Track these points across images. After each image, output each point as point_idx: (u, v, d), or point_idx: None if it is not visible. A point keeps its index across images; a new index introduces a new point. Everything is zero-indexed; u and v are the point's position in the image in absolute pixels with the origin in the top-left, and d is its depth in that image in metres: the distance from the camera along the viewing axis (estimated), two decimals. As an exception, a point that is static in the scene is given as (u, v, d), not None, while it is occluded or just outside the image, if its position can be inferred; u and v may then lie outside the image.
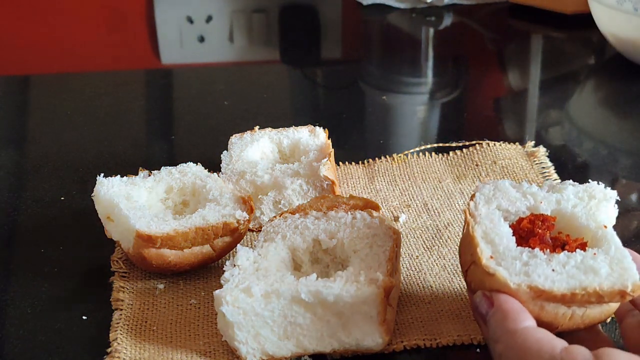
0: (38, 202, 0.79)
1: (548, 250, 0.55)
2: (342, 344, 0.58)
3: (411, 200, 0.78)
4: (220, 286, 0.58)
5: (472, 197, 0.60)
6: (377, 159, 0.85)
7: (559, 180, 0.79)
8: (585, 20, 1.15)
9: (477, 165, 0.83)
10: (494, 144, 0.85)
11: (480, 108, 1.03)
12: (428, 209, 0.77)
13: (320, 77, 1.17)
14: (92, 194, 0.69)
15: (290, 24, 1.33)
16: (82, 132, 0.94)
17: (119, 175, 0.70)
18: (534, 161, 0.83)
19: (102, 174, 0.70)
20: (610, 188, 0.60)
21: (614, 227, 0.58)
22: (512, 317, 0.51)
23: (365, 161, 0.85)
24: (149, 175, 0.72)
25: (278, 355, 0.58)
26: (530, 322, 0.51)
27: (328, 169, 0.72)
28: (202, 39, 1.26)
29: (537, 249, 0.55)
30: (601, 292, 0.51)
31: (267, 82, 1.11)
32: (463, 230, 0.58)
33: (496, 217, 0.58)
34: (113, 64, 1.17)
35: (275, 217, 0.66)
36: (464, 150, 0.85)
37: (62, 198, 0.80)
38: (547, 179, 0.80)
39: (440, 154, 0.85)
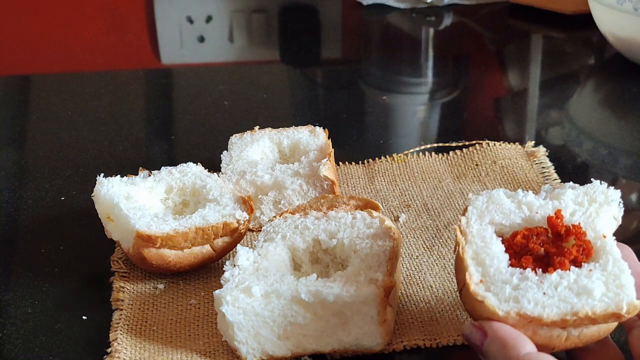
0: (38, 202, 0.79)
1: (540, 270, 0.52)
2: (342, 344, 0.58)
3: (411, 200, 0.78)
4: (220, 286, 0.58)
5: (465, 211, 0.58)
6: (377, 159, 0.85)
7: (559, 181, 0.79)
8: (585, 20, 1.15)
9: (477, 165, 0.83)
10: (494, 144, 0.85)
11: (480, 108, 1.03)
12: (428, 209, 0.77)
13: (320, 77, 1.17)
14: (92, 194, 0.69)
15: (290, 24, 1.33)
16: (82, 132, 0.94)
17: (119, 175, 0.70)
18: (534, 161, 0.83)
19: (102, 174, 0.70)
20: (613, 188, 0.58)
21: (619, 228, 0.57)
22: (511, 345, 0.49)
23: (365, 161, 0.85)
24: (149, 176, 0.72)
25: (278, 355, 0.58)
26: (530, 347, 0.49)
27: (328, 169, 0.72)
28: (202, 39, 1.26)
29: (528, 270, 0.52)
30: (594, 315, 0.49)
31: (267, 82, 1.11)
32: (455, 248, 0.57)
33: (488, 235, 0.56)
34: (113, 64, 1.17)
35: (275, 217, 0.66)
36: (464, 150, 0.85)
37: (62, 198, 0.80)
38: (547, 179, 0.80)
39: (440, 154, 0.85)
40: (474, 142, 0.86)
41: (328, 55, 1.26)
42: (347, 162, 0.85)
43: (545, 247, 0.54)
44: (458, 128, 0.96)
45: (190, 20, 1.31)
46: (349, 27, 1.35)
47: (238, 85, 1.09)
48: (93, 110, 1.00)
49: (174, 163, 0.74)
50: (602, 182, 0.58)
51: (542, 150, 0.84)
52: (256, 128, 0.81)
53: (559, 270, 0.52)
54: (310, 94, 1.11)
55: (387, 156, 0.85)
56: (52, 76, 1.11)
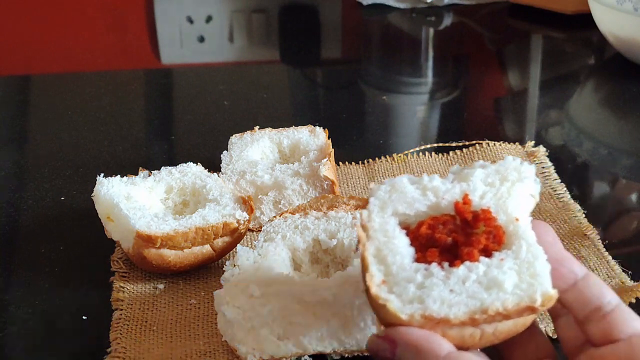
0: (38, 202, 0.79)
1: (447, 263, 0.47)
2: (342, 344, 0.58)
3: (411, 200, 0.78)
4: (220, 286, 0.58)
5: (365, 203, 0.52)
6: (377, 159, 0.85)
7: (559, 180, 0.79)
8: (585, 20, 1.15)
9: (477, 165, 0.83)
10: (494, 144, 0.85)
11: (480, 108, 1.03)
12: (428, 209, 0.76)
13: (320, 77, 1.17)
14: (92, 194, 0.69)
15: (290, 24, 1.33)
16: (82, 132, 0.94)
17: (118, 175, 0.70)
18: (534, 161, 0.83)
19: (102, 174, 0.70)
20: (527, 163, 0.52)
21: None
22: (426, 349, 0.44)
23: (365, 161, 0.85)
24: (149, 176, 0.72)
25: (278, 355, 0.58)
26: (448, 346, 0.45)
27: (328, 169, 0.72)
28: (202, 39, 1.26)
29: (434, 265, 0.47)
30: (505, 311, 0.45)
31: (267, 82, 1.11)
32: (356, 246, 0.52)
33: (391, 228, 0.50)
34: (113, 64, 1.17)
35: (275, 217, 0.66)
36: (464, 150, 0.85)
37: (62, 198, 0.80)
38: (547, 179, 0.80)
39: (440, 154, 0.85)
40: (474, 142, 0.86)
41: (328, 55, 1.26)
42: (347, 162, 0.85)
43: (454, 237, 0.49)
44: (458, 128, 0.96)
45: (190, 20, 1.31)
46: (349, 27, 1.35)
47: (238, 85, 1.09)
48: (93, 110, 1.00)
49: (174, 163, 0.74)
50: (515, 158, 0.52)
51: (542, 150, 0.84)
52: (256, 128, 0.81)
53: (467, 263, 0.47)
54: (310, 94, 1.11)
55: (387, 156, 0.85)
56: (52, 76, 1.11)
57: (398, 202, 0.51)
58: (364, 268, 0.48)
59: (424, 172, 0.82)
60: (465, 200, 0.50)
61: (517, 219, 0.49)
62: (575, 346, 0.48)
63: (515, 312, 0.45)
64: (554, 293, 0.45)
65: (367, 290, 0.48)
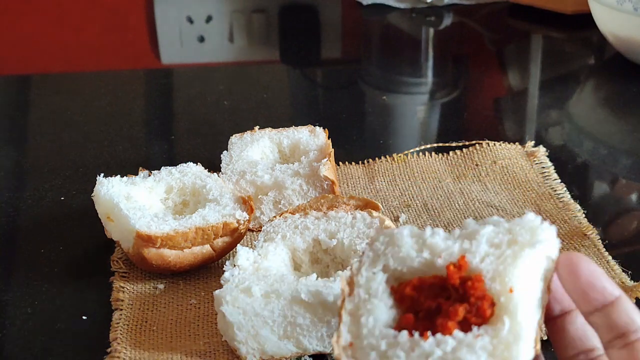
0: (38, 202, 0.79)
1: (417, 333, 0.43)
2: (342, 344, 0.58)
3: (411, 200, 0.78)
4: (220, 286, 0.58)
5: (362, 255, 0.48)
6: (377, 159, 0.85)
7: (559, 181, 0.79)
8: (585, 20, 1.15)
9: (477, 165, 0.83)
10: (494, 144, 0.85)
11: (480, 108, 1.03)
12: (428, 209, 0.77)
13: (320, 77, 1.17)
14: (92, 194, 0.69)
15: (290, 24, 1.33)
16: (82, 132, 0.94)
17: (118, 175, 0.70)
18: (534, 161, 0.83)
19: (102, 174, 0.70)
20: (547, 223, 0.46)
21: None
22: None
23: (365, 161, 0.85)
24: (149, 175, 0.72)
25: (278, 355, 0.58)
26: None
27: (328, 169, 0.72)
28: (202, 39, 1.26)
29: (403, 333, 0.43)
30: None
31: (267, 82, 1.11)
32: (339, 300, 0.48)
33: (375, 285, 0.46)
34: (113, 64, 1.17)
35: (275, 217, 0.66)
36: (464, 150, 0.85)
37: (62, 198, 0.80)
38: (546, 179, 0.80)
39: (440, 154, 0.85)
40: (474, 142, 0.86)
41: (328, 55, 1.26)
42: (347, 162, 0.85)
43: (440, 302, 0.44)
44: (458, 128, 0.96)
45: (190, 20, 1.31)
46: (349, 27, 1.35)
47: (238, 85, 1.09)
48: (93, 110, 1.00)
49: (174, 163, 0.74)
50: (537, 217, 0.46)
51: (542, 150, 0.84)
52: (256, 128, 0.81)
53: (438, 335, 0.43)
54: (310, 94, 1.11)
55: (387, 156, 0.85)
56: (52, 76, 1.11)
57: (391, 257, 0.47)
58: (337, 323, 0.46)
59: (424, 172, 0.82)
60: (461, 262, 0.45)
61: (511, 290, 0.44)
62: None
63: None
64: None
65: (332, 350, 0.45)
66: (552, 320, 0.48)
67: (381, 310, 0.45)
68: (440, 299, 0.45)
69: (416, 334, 0.43)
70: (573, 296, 0.46)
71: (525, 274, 0.44)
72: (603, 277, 0.45)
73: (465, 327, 0.43)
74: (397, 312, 0.46)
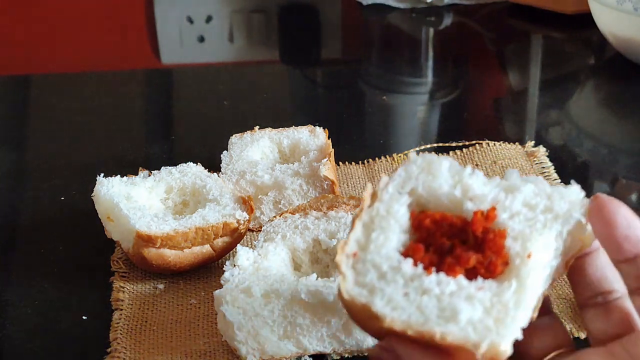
0: (37, 202, 0.79)
1: (422, 265, 0.43)
2: (343, 344, 0.58)
3: (411, 200, 0.78)
4: (220, 286, 0.58)
5: (394, 172, 0.47)
6: (377, 159, 0.85)
7: (559, 181, 0.79)
8: (586, 20, 1.15)
9: (477, 165, 0.83)
10: (494, 144, 0.85)
11: (480, 108, 1.03)
12: (428, 209, 0.76)
13: (320, 77, 1.17)
14: (92, 194, 0.69)
15: (290, 24, 1.33)
16: (82, 132, 0.94)
17: (118, 175, 0.70)
18: (534, 161, 0.83)
19: (102, 174, 0.70)
20: (588, 200, 0.45)
21: None
22: None
23: (365, 161, 0.85)
24: (149, 175, 0.72)
25: (278, 355, 0.58)
26: None
27: (328, 169, 0.72)
28: (202, 39, 1.26)
29: (408, 261, 0.43)
30: (441, 341, 0.39)
31: (267, 82, 1.11)
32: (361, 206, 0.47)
33: (397, 206, 0.45)
34: (113, 64, 1.17)
35: (275, 217, 0.66)
36: (464, 150, 0.85)
37: (62, 198, 0.80)
38: (547, 179, 0.80)
39: (440, 154, 0.85)
40: (474, 142, 0.86)
41: (328, 55, 1.26)
42: (347, 162, 0.85)
43: (454, 243, 0.44)
44: (458, 128, 0.96)
45: (190, 20, 1.31)
46: (348, 27, 1.35)
47: (238, 85, 1.09)
48: (93, 110, 1.00)
49: (174, 163, 0.74)
50: (582, 191, 0.45)
51: (542, 150, 0.84)
52: (256, 128, 0.81)
53: (441, 275, 0.42)
54: (310, 94, 1.11)
55: (387, 156, 0.85)
56: (52, 76, 1.11)
57: (422, 183, 0.46)
58: (349, 230, 0.45)
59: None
60: (489, 214, 0.45)
61: (529, 256, 0.43)
62: (604, 339, 0.45)
63: (453, 348, 0.40)
64: (503, 349, 0.40)
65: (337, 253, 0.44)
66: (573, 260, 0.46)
67: (394, 231, 0.45)
68: (456, 240, 0.44)
69: (420, 267, 0.43)
70: (605, 243, 0.44)
71: (549, 243, 0.44)
72: (639, 229, 0.43)
73: (471, 276, 0.43)
74: (409, 238, 0.45)
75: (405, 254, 0.44)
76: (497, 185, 0.46)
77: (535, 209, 0.45)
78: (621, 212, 0.43)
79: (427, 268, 0.43)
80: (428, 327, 0.40)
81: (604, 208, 0.44)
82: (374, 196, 0.46)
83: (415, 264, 0.43)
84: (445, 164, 0.47)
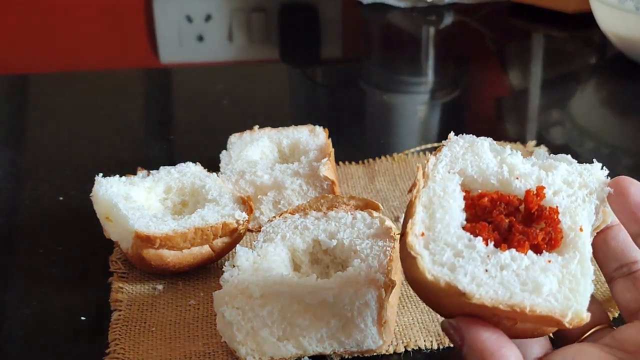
0: (36, 202, 0.79)
1: (493, 243, 0.45)
2: (342, 345, 0.58)
3: (412, 200, 0.78)
4: (220, 287, 0.58)
5: (438, 151, 0.50)
6: (377, 158, 0.85)
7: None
8: (587, 20, 1.15)
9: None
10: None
11: (481, 108, 1.03)
12: (429, 209, 0.76)
13: (321, 77, 1.17)
14: (91, 194, 0.68)
15: (290, 23, 1.33)
16: (80, 132, 0.94)
17: (117, 175, 0.70)
18: (535, 161, 0.82)
19: (100, 174, 0.69)
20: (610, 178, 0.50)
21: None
22: (493, 358, 0.43)
23: (365, 161, 0.84)
24: (148, 175, 0.71)
25: (278, 356, 0.58)
26: (515, 358, 0.44)
27: (328, 169, 0.72)
28: (201, 38, 1.26)
29: (479, 239, 0.45)
30: (531, 314, 0.42)
31: (267, 82, 1.11)
32: (410, 189, 0.48)
33: (451, 185, 0.48)
34: (112, 63, 1.17)
35: (274, 217, 0.66)
36: (465, 149, 0.85)
37: (61, 198, 0.80)
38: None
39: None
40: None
41: (328, 54, 1.26)
42: (347, 162, 0.84)
43: (511, 220, 0.47)
44: (458, 128, 0.95)
45: (190, 19, 1.31)
46: (349, 26, 1.35)
47: (238, 84, 1.09)
48: (92, 110, 1.00)
49: (173, 163, 0.74)
50: (604, 169, 0.50)
51: (543, 149, 0.84)
52: (256, 128, 0.81)
53: (513, 251, 0.45)
54: (311, 93, 1.11)
55: (388, 156, 0.85)
56: (51, 76, 1.11)
57: (470, 163, 0.49)
58: (409, 214, 0.47)
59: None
60: (539, 192, 0.48)
61: (581, 229, 0.47)
62: (635, 308, 0.47)
63: (539, 319, 0.43)
64: (585, 316, 0.43)
65: (403, 235, 0.46)
66: (596, 235, 0.50)
67: (455, 210, 0.47)
68: (511, 217, 0.47)
69: (491, 244, 0.45)
70: (621, 217, 0.48)
71: (590, 216, 0.48)
72: None
73: (536, 250, 0.45)
74: (466, 216, 0.47)
75: (471, 231, 0.46)
76: (534, 164, 0.50)
77: (573, 185, 0.49)
78: (634, 185, 0.47)
79: (498, 246, 0.45)
80: (515, 301, 0.42)
81: (619, 182, 0.48)
82: (424, 176, 0.48)
83: (486, 242, 0.45)
84: (486, 144, 0.51)
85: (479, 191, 0.49)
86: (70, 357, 0.60)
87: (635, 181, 0.47)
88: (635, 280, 0.48)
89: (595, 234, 0.49)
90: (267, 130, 0.81)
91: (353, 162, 0.84)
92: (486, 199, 0.48)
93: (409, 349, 0.59)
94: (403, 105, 1.04)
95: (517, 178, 0.49)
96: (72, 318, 0.63)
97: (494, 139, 0.85)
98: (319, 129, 0.80)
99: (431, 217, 0.47)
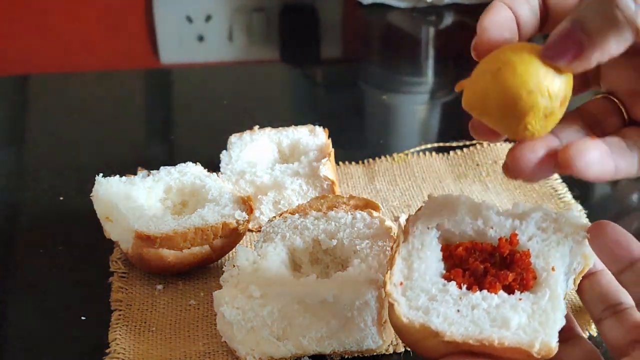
0: (36, 202, 0.79)
1: (465, 286, 0.50)
2: (342, 345, 0.58)
3: (411, 200, 0.78)
4: (220, 287, 0.58)
5: (418, 210, 0.55)
6: (377, 158, 0.85)
7: (559, 181, 0.79)
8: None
9: (477, 165, 0.83)
10: (495, 144, 0.85)
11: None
12: (428, 209, 0.76)
13: (320, 77, 1.17)
14: (91, 194, 0.68)
15: (290, 23, 1.33)
16: (81, 132, 0.94)
17: (117, 175, 0.70)
18: (535, 161, 0.82)
19: (101, 174, 0.69)
20: (588, 221, 0.53)
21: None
22: None
23: (365, 161, 0.84)
24: (148, 175, 0.71)
25: (277, 356, 0.58)
26: None
27: (328, 168, 0.72)
28: (201, 38, 1.26)
29: (452, 283, 0.50)
30: (500, 346, 0.45)
31: (267, 82, 1.11)
32: (393, 243, 0.54)
33: (428, 238, 0.53)
34: (112, 63, 1.17)
35: (274, 217, 0.66)
36: (465, 150, 0.85)
37: (61, 198, 0.80)
38: (547, 179, 0.79)
39: (440, 154, 0.85)
40: (474, 141, 0.86)
41: (328, 54, 1.26)
42: (347, 162, 0.84)
43: (486, 266, 0.51)
44: (459, 128, 0.96)
45: (190, 20, 1.31)
46: (349, 27, 1.34)
47: (238, 84, 1.08)
48: (92, 110, 1.00)
49: (173, 163, 0.74)
50: (582, 214, 0.55)
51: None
52: (256, 128, 0.81)
53: (484, 292, 0.49)
54: (310, 93, 1.11)
55: (387, 156, 0.85)
56: (51, 76, 1.11)
57: (447, 219, 0.54)
58: (389, 266, 0.52)
59: (424, 172, 0.82)
60: (512, 239, 0.52)
61: (553, 269, 0.50)
62: (624, 345, 0.49)
63: (508, 351, 0.46)
64: (554, 346, 0.46)
65: (383, 285, 0.50)
66: (582, 279, 0.53)
67: (432, 260, 0.51)
68: (486, 263, 0.51)
69: (464, 287, 0.49)
70: (602, 257, 0.50)
71: (564, 257, 0.51)
72: (628, 236, 0.49)
73: (508, 291, 0.49)
74: (443, 266, 0.52)
75: (447, 278, 0.50)
76: (510, 214, 0.54)
77: (547, 230, 0.53)
78: (610, 225, 0.50)
79: (470, 288, 0.49)
80: (484, 335, 0.46)
81: (597, 225, 0.50)
82: (405, 232, 0.53)
83: (459, 286, 0.50)
84: (462, 199, 0.55)
85: (457, 242, 0.53)
86: (70, 357, 0.60)
87: (611, 223, 0.50)
88: (621, 319, 0.50)
89: (581, 279, 0.53)
90: (267, 130, 0.81)
91: (353, 162, 0.84)
92: (461, 248, 0.52)
93: (409, 349, 0.59)
94: (403, 105, 1.04)
95: (492, 228, 0.53)
96: (73, 317, 0.63)
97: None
98: (319, 129, 0.80)
99: (410, 268, 0.51)
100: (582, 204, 0.75)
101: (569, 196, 0.76)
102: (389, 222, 0.63)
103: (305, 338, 0.57)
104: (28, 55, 1.18)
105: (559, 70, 0.44)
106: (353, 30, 1.34)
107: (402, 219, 0.74)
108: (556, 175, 0.80)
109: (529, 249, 0.52)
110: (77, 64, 1.16)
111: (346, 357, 0.59)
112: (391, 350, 0.59)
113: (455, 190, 0.79)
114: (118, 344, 0.60)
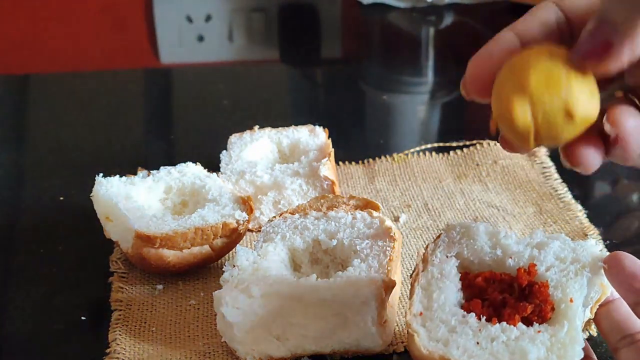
0: (37, 202, 0.79)
1: (485, 317, 0.50)
2: (342, 345, 0.58)
3: (411, 200, 0.78)
4: (220, 287, 0.58)
5: (437, 238, 0.56)
6: (377, 158, 0.85)
7: (560, 180, 0.79)
8: (586, 20, 1.14)
9: (477, 165, 0.83)
10: (495, 144, 0.85)
11: (481, 107, 1.03)
12: (428, 209, 0.76)
13: (320, 77, 1.17)
14: (91, 194, 0.68)
15: (289, 23, 1.33)
16: (81, 132, 0.94)
17: (118, 175, 0.70)
18: (535, 161, 0.82)
19: (101, 174, 0.69)
20: (606, 251, 0.54)
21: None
22: None
23: (365, 161, 0.84)
24: (148, 175, 0.71)
25: (277, 355, 0.58)
26: None
27: (328, 168, 0.72)
28: (201, 38, 1.26)
29: (472, 315, 0.50)
30: None
31: (267, 82, 1.11)
32: (411, 273, 0.55)
33: (448, 268, 0.53)
34: (112, 63, 1.17)
35: (274, 217, 0.66)
36: (465, 150, 0.85)
37: (61, 198, 0.80)
38: (547, 179, 0.79)
39: (440, 154, 0.85)
40: (474, 141, 0.86)
41: (328, 54, 1.26)
42: (347, 162, 0.84)
43: (505, 297, 0.52)
44: (459, 128, 0.96)
45: (190, 20, 1.31)
46: (348, 27, 1.34)
47: (238, 84, 1.08)
48: (92, 110, 1.00)
49: (173, 163, 0.74)
50: (598, 244, 0.55)
51: (543, 149, 0.84)
52: (256, 128, 0.81)
53: (504, 323, 0.50)
54: (310, 93, 1.11)
55: (388, 156, 0.85)
56: (51, 76, 1.11)
57: (466, 247, 0.55)
58: (410, 294, 0.53)
59: (424, 172, 0.82)
60: (531, 269, 0.53)
61: (571, 300, 0.51)
62: None
63: None
64: None
65: (405, 315, 0.51)
66: (599, 308, 0.53)
67: (451, 290, 0.52)
68: (505, 294, 0.51)
69: (483, 319, 0.50)
70: (619, 289, 0.51)
71: (582, 288, 0.52)
72: None
73: (527, 323, 0.50)
74: (462, 295, 0.52)
75: (466, 309, 0.51)
76: (528, 244, 0.55)
77: (565, 260, 0.53)
78: (628, 258, 0.50)
79: (490, 320, 0.50)
80: None
81: (614, 257, 0.51)
82: (425, 261, 0.54)
83: (478, 317, 0.50)
84: (481, 228, 0.55)
85: (476, 272, 0.54)
86: (70, 357, 0.60)
87: (628, 255, 0.50)
88: (638, 348, 0.50)
89: (598, 307, 0.53)
90: (267, 130, 0.81)
91: (353, 162, 0.84)
92: (480, 278, 0.53)
93: (409, 349, 0.59)
94: (403, 105, 1.04)
95: (511, 257, 0.54)
96: (73, 317, 0.63)
97: (494, 139, 0.86)
98: (319, 129, 0.80)
99: (429, 298, 0.52)
100: (582, 204, 0.75)
101: (569, 196, 0.76)
102: (389, 222, 0.63)
103: (305, 338, 0.57)
104: (28, 55, 1.18)
105: (587, 75, 0.41)
106: (353, 30, 1.34)
107: (402, 219, 0.74)
108: (556, 175, 0.80)
109: (547, 280, 0.52)
110: (77, 63, 1.16)
111: (346, 357, 0.59)
112: (391, 350, 0.59)
113: (455, 190, 0.79)
114: (118, 344, 0.60)
